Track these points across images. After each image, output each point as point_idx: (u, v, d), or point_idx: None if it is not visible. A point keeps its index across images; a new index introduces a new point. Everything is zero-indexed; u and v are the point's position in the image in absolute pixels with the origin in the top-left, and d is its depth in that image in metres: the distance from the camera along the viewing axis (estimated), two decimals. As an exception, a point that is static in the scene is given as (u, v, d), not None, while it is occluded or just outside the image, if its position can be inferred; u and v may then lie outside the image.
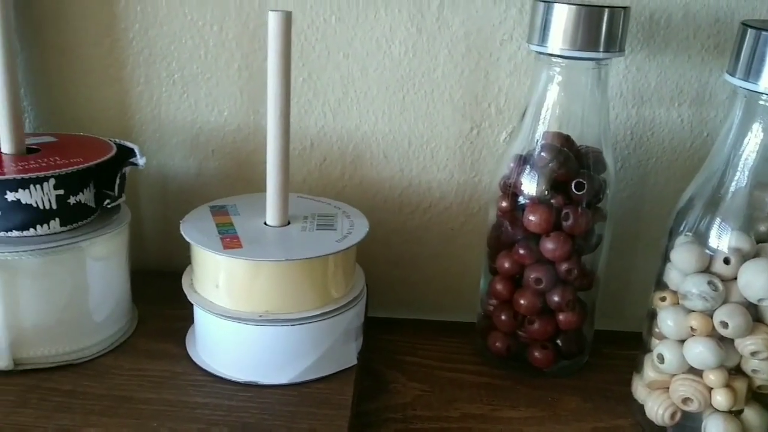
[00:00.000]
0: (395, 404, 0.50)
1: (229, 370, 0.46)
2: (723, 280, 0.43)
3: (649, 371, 0.48)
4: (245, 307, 0.45)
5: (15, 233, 0.44)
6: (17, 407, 0.42)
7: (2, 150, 0.47)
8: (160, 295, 0.55)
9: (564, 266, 0.51)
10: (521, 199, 0.51)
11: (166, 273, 0.58)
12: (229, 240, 0.45)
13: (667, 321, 0.45)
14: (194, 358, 0.48)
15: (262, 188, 0.59)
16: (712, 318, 0.43)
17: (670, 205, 0.59)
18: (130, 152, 0.49)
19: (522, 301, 0.52)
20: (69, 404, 0.43)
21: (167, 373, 0.47)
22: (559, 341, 0.53)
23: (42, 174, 0.44)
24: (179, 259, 0.61)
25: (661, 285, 0.47)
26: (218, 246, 0.44)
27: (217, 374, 0.46)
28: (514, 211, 0.51)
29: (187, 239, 0.46)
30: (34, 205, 0.44)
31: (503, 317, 0.53)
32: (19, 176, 0.43)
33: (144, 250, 0.62)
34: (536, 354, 0.53)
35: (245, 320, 0.45)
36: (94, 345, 0.48)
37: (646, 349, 0.49)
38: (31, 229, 0.45)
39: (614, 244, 0.55)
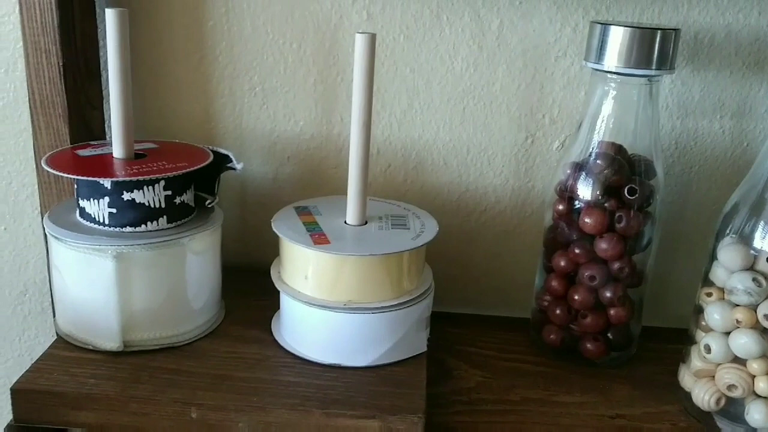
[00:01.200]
0: (460, 388, 0.55)
1: (315, 354, 0.51)
2: (766, 277, 0.47)
3: (696, 361, 0.52)
4: (331, 296, 0.50)
5: (128, 229, 0.50)
6: (132, 383, 0.48)
7: (115, 155, 0.52)
8: (241, 289, 0.60)
9: (616, 265, 0.55)
10: (577, 203, 0.55)
11: (243, 270, 0.64)
12: (318, 237, 0.50)
13: (714, 315, 0.50)
14: (281, 343, 0.53)
15: (333, 192, 0.65)
16: (756, 311, 0.48)
17: (711, 211, 0.64)
18: (224, 158, 0.54)
19: (576, 297, 0.57)
20: (176, 381, 0.48)
21: (259, 356, 0.52)
22: (609, 334, 0.58)
23: (154, 177, 0.49)
24: (256, 257, 0.67)
25: (707, 282, 0.52)
26: (309, 242, 0.50)
27: (304, 357, 0.51)
28: (570, 213, 0.56)
29: (281, 235, 0.51)
30: (146, 204, 0.50)
31: (558, 311, 0.58)
32: (134, 178, 0.49)
33: (223, 248, 0.68)
34: (588, 346, 0.57)
35: (331, 308, 0.50)
36: (192, 330, 0.53)
37: (693, 341, 0.53)
38: (143, 226, 0.50)
39: (659, 245, 0.60)
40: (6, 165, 0.66)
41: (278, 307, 0.55)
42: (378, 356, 0.51)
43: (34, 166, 0.61)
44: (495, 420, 0.51)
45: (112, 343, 0.50)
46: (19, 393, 0.47)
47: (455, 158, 0.65)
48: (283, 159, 0.65)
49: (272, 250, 0.55)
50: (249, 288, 0.61)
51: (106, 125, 0.63)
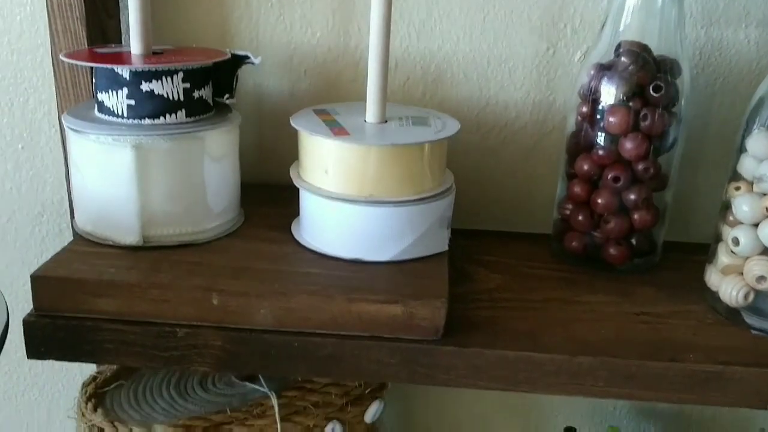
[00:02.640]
0: (480, 289, 0.54)
1: (335, 249, 0.51)
2: (797, 162, 0.47)
3: (723, 257, 0.51)
4: (352, 190, 0.49)
5: (147, 121, 0.50)
6: (153, 271, 0.48)
7: (133, 51, 0.52)
8: (259, 200, 0.60)
9: (641, 165, 0.54)
10: (601, 104, 0.54)
11: (260, 185, 0.64)
12: (338, 130, 0.50)
13: (743, 206, 0.49)
14: (302, 242, 0.53)
15: (352, 103, 0.64)
16: (786, 198, 0.47)
17: (735, 126, 0.62)
18: (242, 58, 0.54)
19: (599, 201, 0.56)
20: (197, 270, 0.48)
21: (279, 252, 0.51)
22: (633, 240, 0.57)
23: (173, 67, 0.49)
24: (274, 175, 0.66)
25: (735, 176, 0.51)
26: (329, 134, 0.49)
27: (324, 253, 0.51)
28: (594, 115, 0.55)
29: (300, 129, 0.51)
30: (165, 95, 0.49)
31: (580, 218, 0.57)
32: (153, 67, 0.48)
33: (240, 166, 0.68)
34: (611, 251, 0.57)
35: (352, 201, 0.49)
36: (211, 228, 0.53)
37: (719, 239, 0.52)
38: (161, 118, 0.50)
39: (682, 162, 0.59)
40: (23, 81, 0.66)
41: (298, 215, 0.55)
42: (399, 251, 0.50)
43: (52, 80, 0.61)
44: (516, 315, 0.50)
45: (131, 238, 0.50)
46: (38, 280, 0.47)
47: (475, 71, 0.64)
48: (300, 73, 0.65)
49: (290, 165, 0.55)
50: (268, 200, 0.60)
51: (122, 36, 0.62)
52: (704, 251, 0.55)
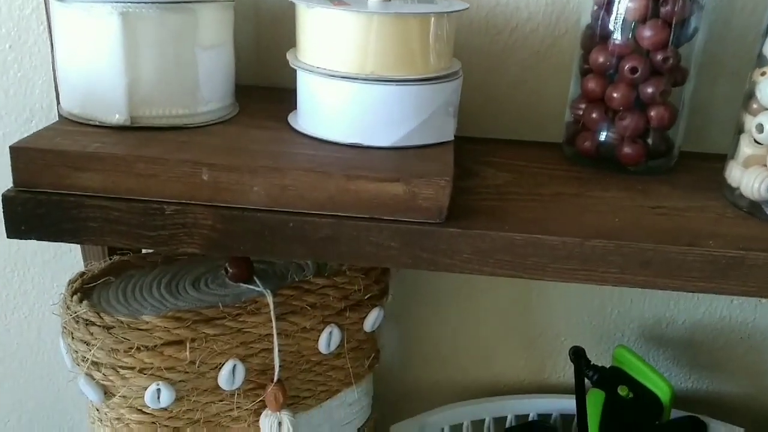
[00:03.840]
0: (488, 185, 0.51)
1: (334, 134, 0.48)
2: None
3: (746, 148, 0.48)
4: (352, 67, 0.46)
5: (135, -10, 0.47)
6: (140, 147, 0.45)
7: None
8: (256, 98, 0.57)
9: (660, 55, 0.51)
10: (618, -10, 0.51)
11: (258, 86, 0.61)
12: (338, 3, 0.47)
13: (768, 90, 0.46)
14: (298, 129, 0.50)
15: None
16: (817, 76, 0.44)
17: (755, 34, 0.59)
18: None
19: (615, 95, 0.53)
20: (187, 148, 0.45)
21: (274, 137, 0.49)
22: (648, 140, 0.54)
23: (163, -70, 0.45)
24: (267, 76, 0.63)
25: (761, 61, 0.48)
26: (328, 4, 0.46)
27: (322, 138, 0.48)
28: (611, 3, 0.52)
29: (297, 2, 0.47)
30: (155, -37, 0.46)
31: (594, 115, 0.54)
32: (142, -70, 0.45)
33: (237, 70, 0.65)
34: (626, 150, 0.54)
35: (352, 79, 0.46)
36: (203, 114, 0.50)
37: (742, 130, 0.49)
38: (151, -13, 0.47)
39: (702, 59, 0.55)
40: (9, -26, 0.63)
41: (295, 108, 0.52)
42: (401, 137, 0.47)
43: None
44: (524, 206, 0.48)
45: (118, 116, 0.47)
46: (18, 152, 0.44)
47: (485, -33, 0.60)
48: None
49: (287, 71, 0.52)
50: (265, 98, 0.57)
51: None
52: (722, 160, 0.52)
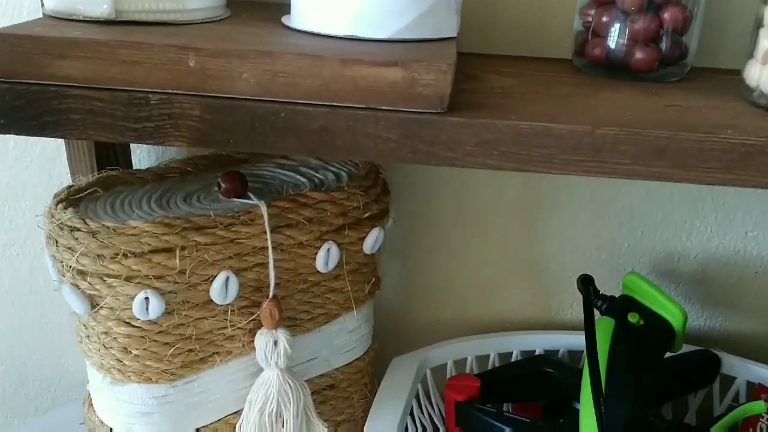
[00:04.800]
0: (492, 86, 0.49)
1: (329, 27, 0.45)
2: None
3: (765, 41, 0.45)
4: (348, -45, 0.44)
5: None
6: (123, 35, 0.42)
7: None
8: (247, 8, 0.55)
9: (674, -51, 0.48)
10: None
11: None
12: None
13: (792, -26, 0.43)
14: (291, 26, 0.47)
15: None
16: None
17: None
18: None
19: (626, -5, 0.50)
20: (173, 34, 0.43)
21: (267, 32, 0.46)
22: (662, 44, 0.51)
23: None
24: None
25: (783, -53, 0.45)
26: None
27: (317, 32, 0.46)
28: None
29: None
30: None
31: (604, 18, 0.51)
32: None
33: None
34: (638, 55, 0.51)
35: (348, -34, 0.44)
36: (193, 11, 0.47)
37: (761, 24, 0.47)
38: None
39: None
40: None
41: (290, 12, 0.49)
42: (401, 28, 0.45)
43: None
44: (532, 101, 0.45)
45: (105, 6, 0.45)
46: (-5, 39, 0.42)
47: None
48: None
49: None
50: (257, 6, 0.55)
51: None
52: (737, 74, 0.49)
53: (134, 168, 0.64)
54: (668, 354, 0.62)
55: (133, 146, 0.67)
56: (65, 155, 0.63)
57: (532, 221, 0.70)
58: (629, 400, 0.54)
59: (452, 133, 0.41)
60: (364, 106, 0.41)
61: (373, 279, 0.60)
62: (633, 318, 0.59)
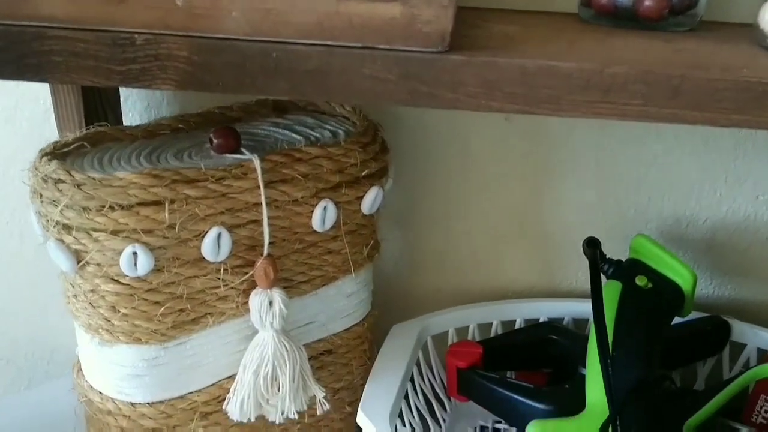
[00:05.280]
0: (496, 32, 0.46)
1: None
2: None
3: (783, -19, 0.43)
4: None
5: None
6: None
7: None
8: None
9: None
10: None
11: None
12: None
13: None
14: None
15: None
16: None
17: None
18: None
19: (635, -63, 0.48)
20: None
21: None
22: (673, -8, 0.49)
23: None
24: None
25: None
26: None
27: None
28: None
29: None
30: None
31: (612, -36, 0.49)
32: None
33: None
34: (647, 2, 0.49)
35: None
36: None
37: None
38: None
39: None
40: None
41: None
42: (399, -32, 0.43)
43: None
44: (537, 42, 0.43)
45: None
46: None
47: None
48: None
49: None
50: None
51: None
52: (750, 28, 0.47)
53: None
54: (677, 320, 0.61)
55: (123, 104, 0.65)
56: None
57: (536, 187, 0.68)
58: (637, 364, 0.52)
59: (454, 73, 0.39)
60: (360, 44, 0.39)
61: (372, 242, 0.58)
62: (641, 281, 0.57)
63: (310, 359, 0.56)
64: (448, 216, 0.69)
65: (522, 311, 0.67)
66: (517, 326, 0.67)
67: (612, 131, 0.64)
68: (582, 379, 0.54)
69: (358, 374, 0.60)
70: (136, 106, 0.67)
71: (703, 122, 0.39)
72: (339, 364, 0.59)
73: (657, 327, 0.56)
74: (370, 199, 0.54)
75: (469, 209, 0.69)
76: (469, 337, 0.66)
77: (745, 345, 0.63)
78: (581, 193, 0.67)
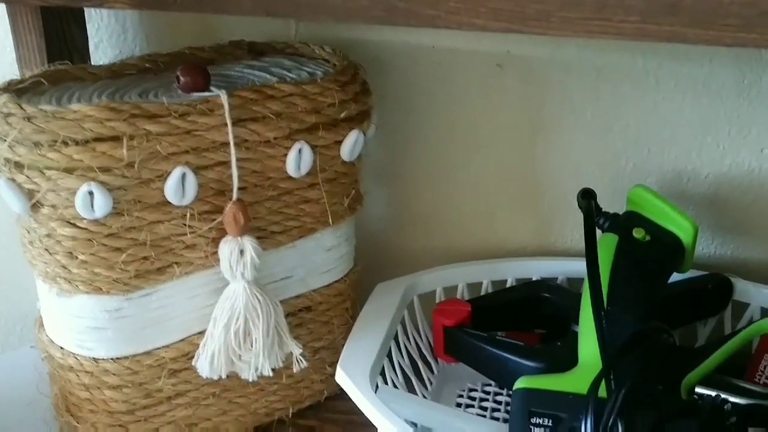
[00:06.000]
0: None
1: None
2: None
3: None
4: None
5: None
6: None
7: None
8: None
9: None
10: None
11: None
12: None
13: None
14: None
15: None
16: None
17: None
18: None
19: None
20: None
21: None
22: None
23: None
24: None
25: None
26: None
27: None
28: None
29: None
30: None
31: None
32: None
33: None
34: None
35: None
36: None
37: None
38: None
39: None
40: None
41: None
42: None
43: None
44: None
45: None
46: None
47: None
48: None
49: None
50: None
51: None
52: None
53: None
54: (676, 278, 0.58)
55: (94, 53, 0.62)
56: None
57: (530, 141, 0.64)
58: (633, 318, 0.49)
59: (433, -14, 0.36)
60: (330, -44, 0.36)
61: (353, 192, 0.54)
62: (638, 233, 0.54)
63: (287, 316, 0.53)
64: (437, 171, 0.66)
65: (514, 270, 0.64)
66: (508, 286, 0.63)
67: (608, 76, 0.61)
68: (575, 336, 0.51)
69: (339, 333, 0.57)
70: (107, 53, 0.63)
71: (707, 41, 0.35)
72: (319, 322, 0.56)
73: (655, 281, 0.52)
74: (350, 144, 0.51)
75: (459, 164, 0.65)
76: (458, 297, 0.63)
77: (748, 304, 0.60)
78: (577, 146, 0.64)
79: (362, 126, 0.52)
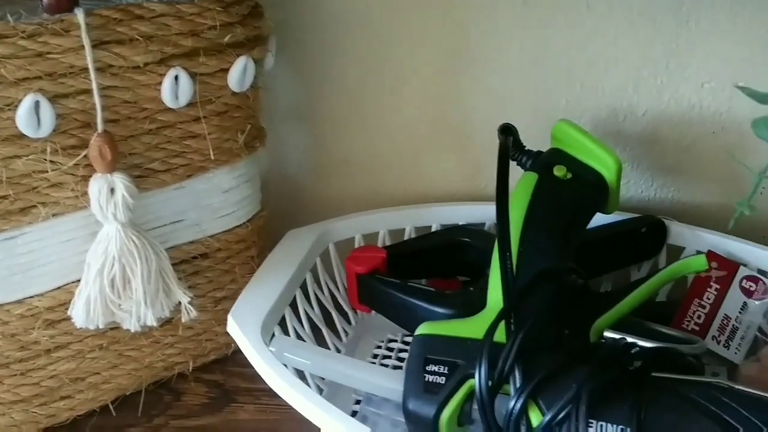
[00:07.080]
0: None
1: None
2: None
3: None
4: None
5: None
6: None
7: None
8: None
9: None
10: None
11: None
12: None
13: None
14: None
15: None
16: None
17: None
18: None
19: None
20: None
21: None
22: None
23: None
24: None
25: None
26: None
27: None
28: None
29: None
30: None
31: None
32: None
33: None
34: None
35: None
36: None
37: None
38: None
39: None
40: None
41: None
42: None
43: None
44: None
45: None
46: None
47: None
48: None
49: None
50: None
51: None
52: None
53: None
54: (607, 220, 0.54)
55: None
56: None
57: (454, 78, 0.60)
58: (545, 259, 0.45)
59: None
60: None
61: (249, 128, 0.50)
62: (559, 171, 0.50)
63: (180, 263, 0.49)
64: (357, 113, 0.61)
65: (439, 216, 0.60)
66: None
67: (537, 2, 0.56)
68: (487, 281, 0.48)
69: (243, 282, 0.53)
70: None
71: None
72: (219, 270, 0.52)
73: (574, 222, 0.49)
74: (238, 72, 0.46)
75: (380, 105, 0.61)
76: (379, 244, 0.59)
77: (683, 248, 0.57)
78: (506, 83, 0.60)
79: (253, 53, 0.47)
